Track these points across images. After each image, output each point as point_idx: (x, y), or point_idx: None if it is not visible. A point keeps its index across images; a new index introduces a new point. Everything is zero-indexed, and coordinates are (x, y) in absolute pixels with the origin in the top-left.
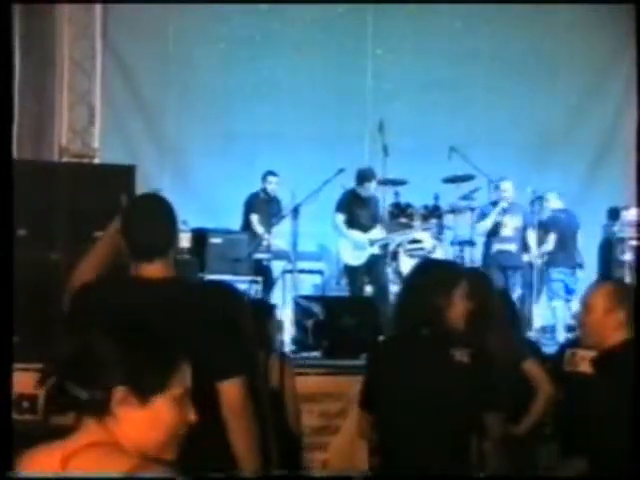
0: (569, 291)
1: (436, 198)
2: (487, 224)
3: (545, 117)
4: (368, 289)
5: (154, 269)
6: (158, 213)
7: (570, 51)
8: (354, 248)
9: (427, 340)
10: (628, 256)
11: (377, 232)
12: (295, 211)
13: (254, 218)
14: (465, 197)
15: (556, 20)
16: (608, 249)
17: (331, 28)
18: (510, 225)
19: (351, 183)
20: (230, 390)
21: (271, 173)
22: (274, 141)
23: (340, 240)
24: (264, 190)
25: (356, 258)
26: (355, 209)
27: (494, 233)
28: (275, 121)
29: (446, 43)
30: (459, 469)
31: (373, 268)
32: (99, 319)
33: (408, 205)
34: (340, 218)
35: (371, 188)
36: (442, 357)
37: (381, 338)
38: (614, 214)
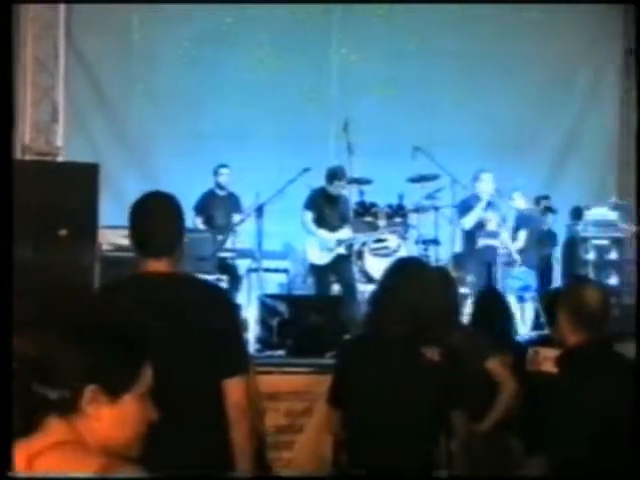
0: (528, 289)
1: (401, 197)
2: (473, 217)
3: (510, 117)
4: (335, 288)
5: (160, 265)
6: (166, 212)
7: (536, 51)
8: (321, 247)
9: (399, 338)
10: (591, 255)
11: (345, 232)
12: (259, 210)
13: (198, 221)
14: (429, 196)
15: (522, 20)
16: (571, 248)
17: (296, 27)
18: (494, 220)
19: (316, 182)
20: (237, 388)
21: (222, 166)
22: (239, 140)
23: (307, 238)
24: (218, 185)
25: (323, 257)
26: (324, 208)
27: (479, 227)
28: (240, 120)
29: (411, 42)
30: (428, 468)
31: (340, 267)
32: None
33: (373, 204)
34: (308, 216)
35: (341, 187)
36: (414, 355)
37: (347, 336)
38: (577, 213)
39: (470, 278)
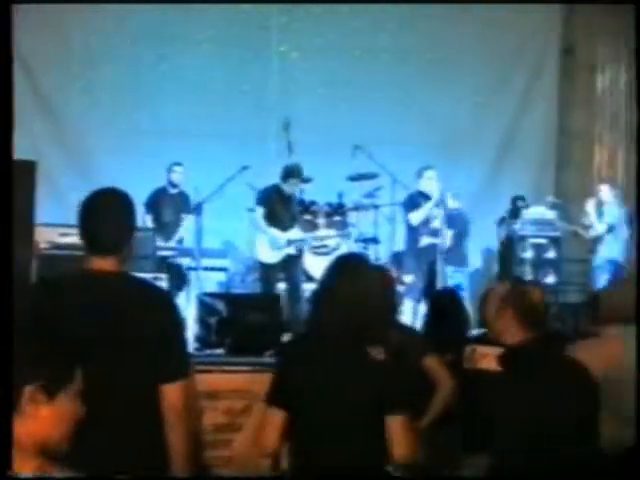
0: (458, 288)
1: (340, 196)
2: (422, 213)
3: (449, 116)
4: (280, 287)
5: (106, 264)
6: (115, 210)
7: (474, 50)
8: (271, 246)
9: (341, 337)
10: (529, 254)
11: (295, 232)
12: (198, 208)
13: (148, 218)
14: (369, 195)
15: (461, 18)
16: (509, 247)
17: (236, 25)
18: (439, 217)
19: (256, 180)
20: (175, 392)
21: (176, 163)
22: (180, 138)
23: (257, 236)
24: (171, 182)
25: (273, 256)
26: (276, 205)
27: (424, 224)
28: (181, 118)
29: (352, 40)
30: (376, 468)
31: (289, 267)
32: (47, 314)
33: (312, 202)
34: (259, 212)
35: (295, 186)
36: (357, 354)
37: (288, 335)
38: (515, 212)
39: (411, 277)
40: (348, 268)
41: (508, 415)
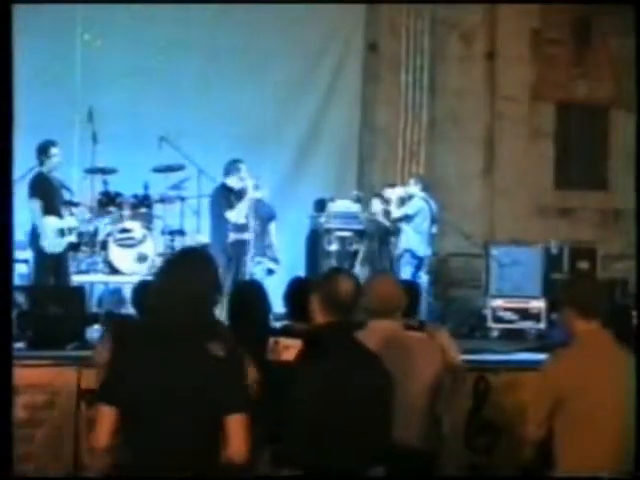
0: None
1: (146, 187)
2: (236, 214)
3: (255, 110)
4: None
5: None
6: None
7: (279, 46)
8: (56, 235)
9: (183, 331)
10: (334, 246)
11: (69, 219)
12: None
13: None
14: (175, 187)
15: (267, 14)
16: (315, 240)
17: (42, 13)
18: (245, 213)
19: (60, 170)
20: None
21: None
22: None
23: (42, 228)
24: None
25: (56, 246)
26: (48, 194)
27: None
28: None
29: (158, 31)
30: (211, 469)
31: (65, 256)
32: None
33: (118, 194)
34: (36, 204)
35: (53, 164)
36: (198, 351)
37: (129, 332)
38: (320, 205)
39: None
40: (188, 262)
41: (300, 397)
